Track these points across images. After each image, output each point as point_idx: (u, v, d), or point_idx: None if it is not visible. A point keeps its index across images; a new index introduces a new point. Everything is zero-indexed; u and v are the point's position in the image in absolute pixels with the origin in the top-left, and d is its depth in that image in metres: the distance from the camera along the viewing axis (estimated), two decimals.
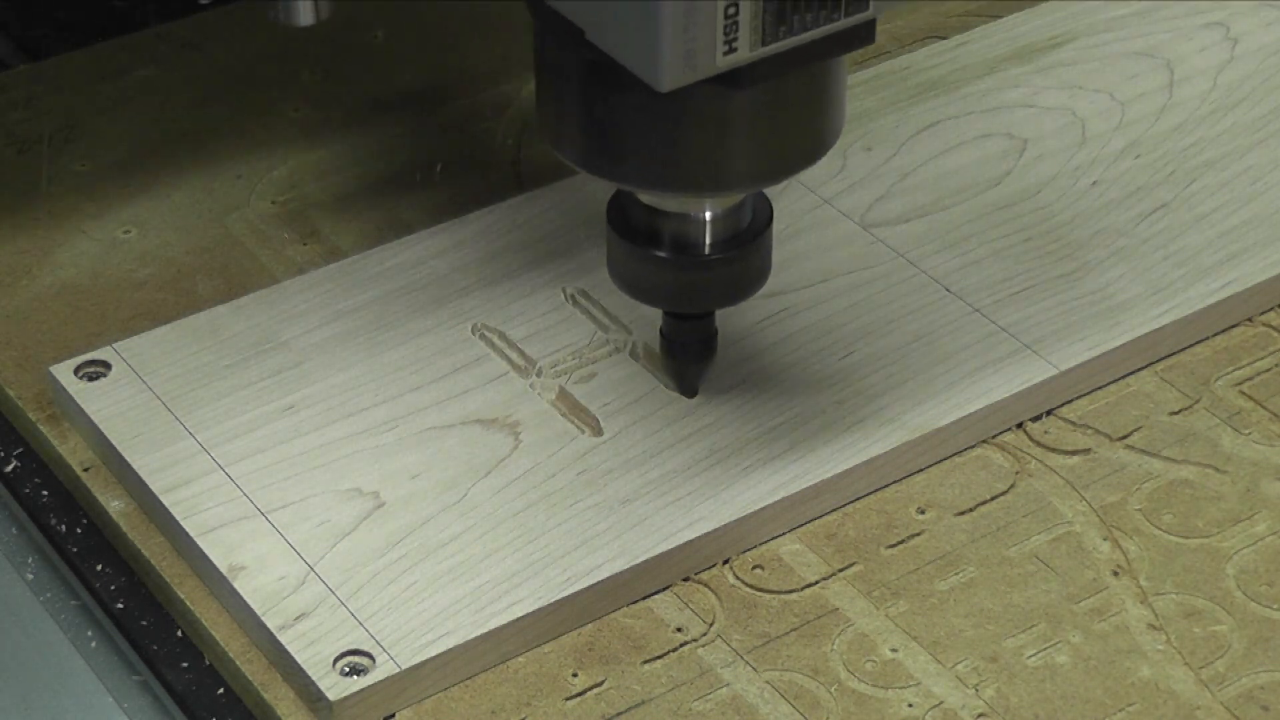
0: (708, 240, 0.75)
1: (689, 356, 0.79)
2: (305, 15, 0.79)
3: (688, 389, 0.80)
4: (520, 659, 0.73)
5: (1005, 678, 0.72)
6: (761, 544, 0.77)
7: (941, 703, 0.71)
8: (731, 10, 0.65)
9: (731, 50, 0.66)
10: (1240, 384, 0.83)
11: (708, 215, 0.74)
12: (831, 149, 0.73)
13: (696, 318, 0.78)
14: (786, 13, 0.66)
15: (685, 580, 0.76)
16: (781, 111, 0.70)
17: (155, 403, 0.79)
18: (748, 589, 0.75)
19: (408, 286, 0.85)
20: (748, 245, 0.75)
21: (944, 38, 0.99)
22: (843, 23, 0.67)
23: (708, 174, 0.71)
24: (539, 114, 0.73)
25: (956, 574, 0.76)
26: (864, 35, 0.68)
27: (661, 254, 0.75)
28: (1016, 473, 0.79)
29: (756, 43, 0.66)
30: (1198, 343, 0.85)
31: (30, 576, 0.78)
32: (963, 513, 0.78)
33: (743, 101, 0.69)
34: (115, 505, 0.78)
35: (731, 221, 0.75)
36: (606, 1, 0.66)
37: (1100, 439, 0.81)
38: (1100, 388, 0.83)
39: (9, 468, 0.80)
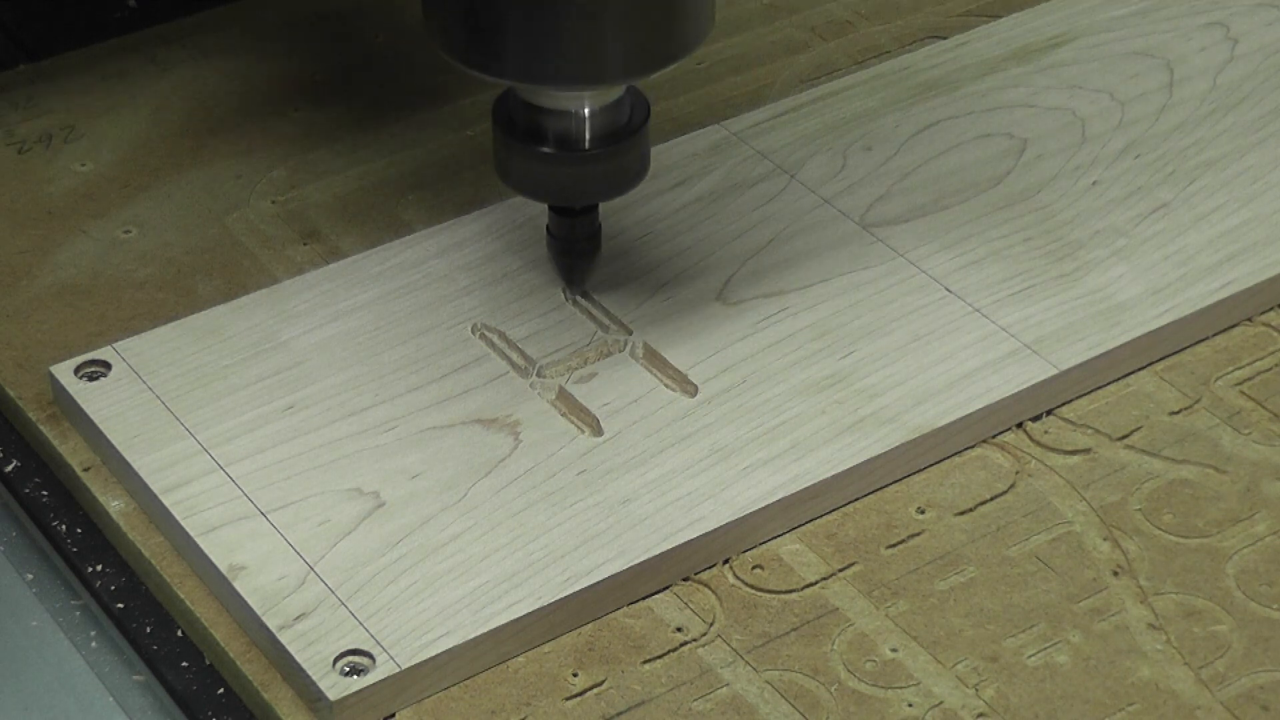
0: (588, 135, 0.78)
1: (576, 251, 0.82)
2: None
3: (575, 285, 0.83)
4: (520, 659, 0.73)
5: (1005, 678, 0.72)
6: (761, 544, 0.77)
7: (941, 703, 0.71)
8: None
9: None
10: (1240, 384, 0.83)
11: (586, 110, 0.77)
12: (700, 43, 0.76)
13: (581, 213, 0.81)
14: None
15: (685, 580, 0.76)
16: (647, 6, 0.74)
17: (155, 403, 0.80)
18: (748, 589, 0.75)
19: (408, 286, 0.85)
20: (626, 140, 0.78)
21: (944, 38, 0.99)
22: None
23: (578, 67, 0.74)
24: (426, 16, 0.76)
25: (956, 574, 0.76)
26: None
27: (545, 149, 0.78)
28: (1016, 473, 0.79)
29: None
30: (1198, 343, 0.85)
31: (30, 576, 0.78)
32: (963, 513, 0.78)
33: None
34: (115, 505, 0.78)
35: (609, 116, 0.78)
36: None
37: (1100, 439, 0.81)
38: (1100, 388, 0.83)
39: (9, 468, 0.80)
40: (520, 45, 0.74)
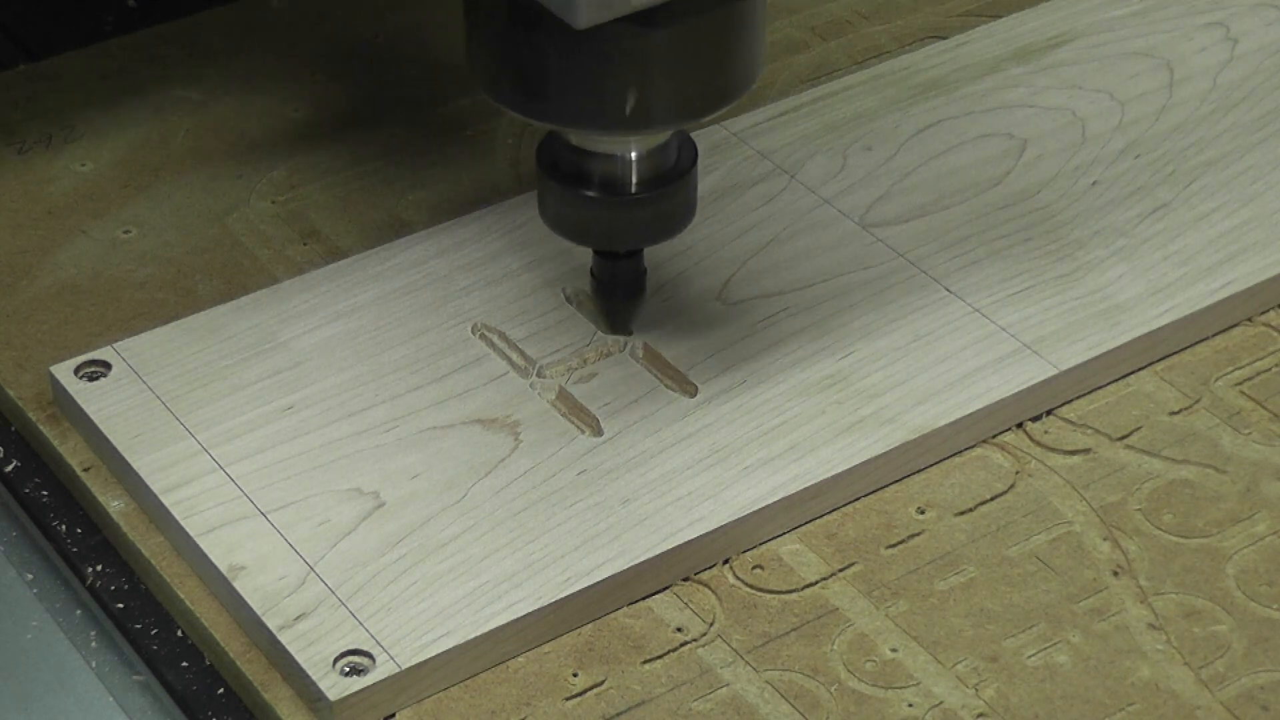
0: (634, 179, 0.77)
1: (619, 295, 0.81)
2: None
3: (618, 329, 0.82)
4: (520, 659, 0.73)
5: (1005, 678, 0.72)
6: (761, 544, 0.77)
7: (941, 703, 0.71)
8: None
9: None
10: (1240, 384, 0.83)
11: (633, 154, 0.76)
12: (750, 89, 0.75)
13: (625, 256, 0.80)
14: None
15: (685, 580, 0.76)
16: (698, 51, 0.72)
17: (155, 403, 0.80)
18: (748, 589, 0.75)
19: (408, 286, 0.85)
20: (673, 183, 0.77)
21: (944, 38, 0.99)
22: None
23: (628, 113, 0.73)
24: (470, 58, 0.75)
25: (956, 574, 0.76)
26: None
27: (590, 193, 0.77)
28: (1016, 473, 0.79)
29: None
30: (1198, 343, 0.85)
31: (30, 576, 0.78)
32: (963, 513, 0.78)
33: (659, 40, 0.71)
34: (115, 505, 0.78)
35: (656, 160, 0.77)
36: None
37: (1100, 439, 0.81)
38: (1100, 388, 0.83)
39: (9, 468, 0.80)
40: (568, 90, 0.72)
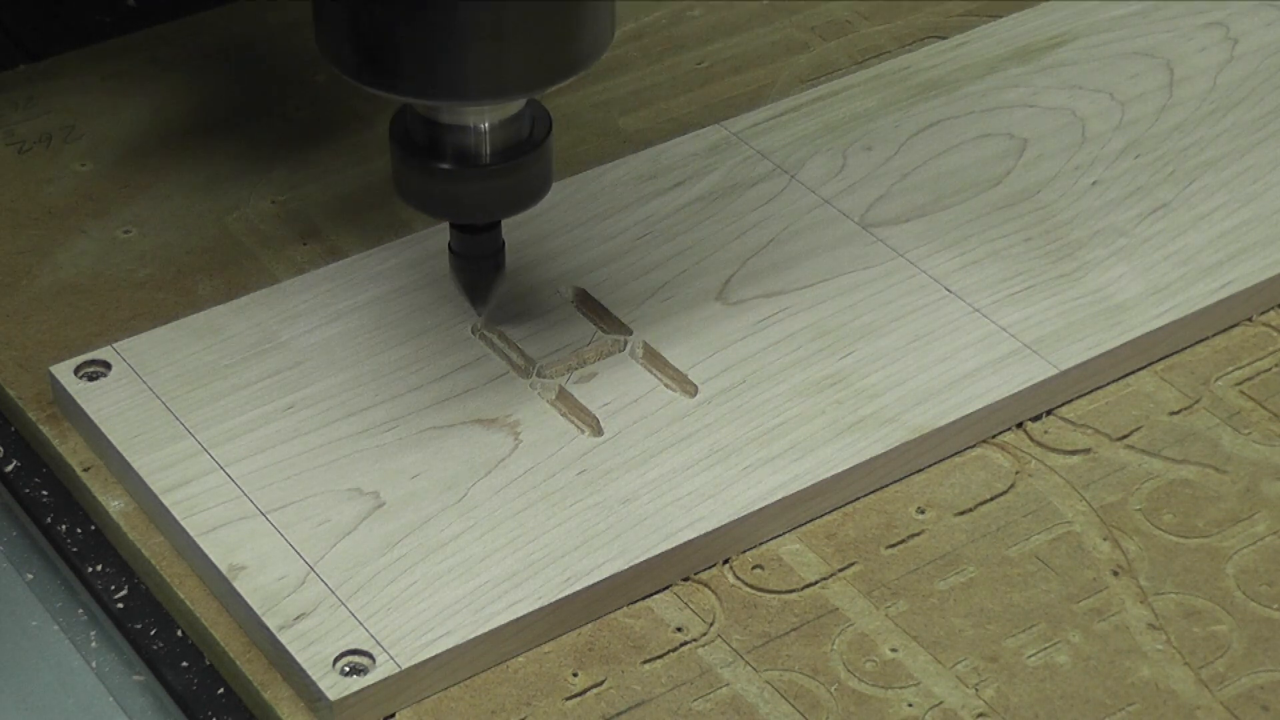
0: (487, 150, 0.76)
1: (478, 269, 0.80)
2: None
3: (479, 303, 0.81)
4: (520, 659, 0.73)
5: (1005, 678, 0.72)
6: (761, 544, 0.77)
7: (941, 703, 0.71)
8: None
9: None
10: (1240, 384, 0.83)
11: (485, 125, 0.76)
12: (598, 58, 0.75)
13: (483, 229, 0.79)
14: None
15: (685, 580, 0.76)
16: (541, 19, 0.72)
17: (155, 403, 0.80)
18: (748, 589, 0.75)
19: (408, 286, 0.85)
20: (528, 154, 0.77)
21: (944, 38, 0.99)
22: None
23: (470, 82, 0.72)
24: (318, 32, 0.74)
25: (956, 574, 0.76)
26: None
27: (444, 165, 0.76)
28: (1016, 473, 0.79)
29: None
30: (1198, 343, 0.85)
31: (30, 576, 0.78)
32: (963, 513, 0.78)
33: (498, 8, 0.71)
34: (115, 505, 0.78)
35: (509, 131, 0.76)
36: None
37: (1100, 439, 0.81)
38: (1100, 388, 0.83)
39: (9, 468, 0.80)
40: (417, 61, 0.72)
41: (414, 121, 0.77)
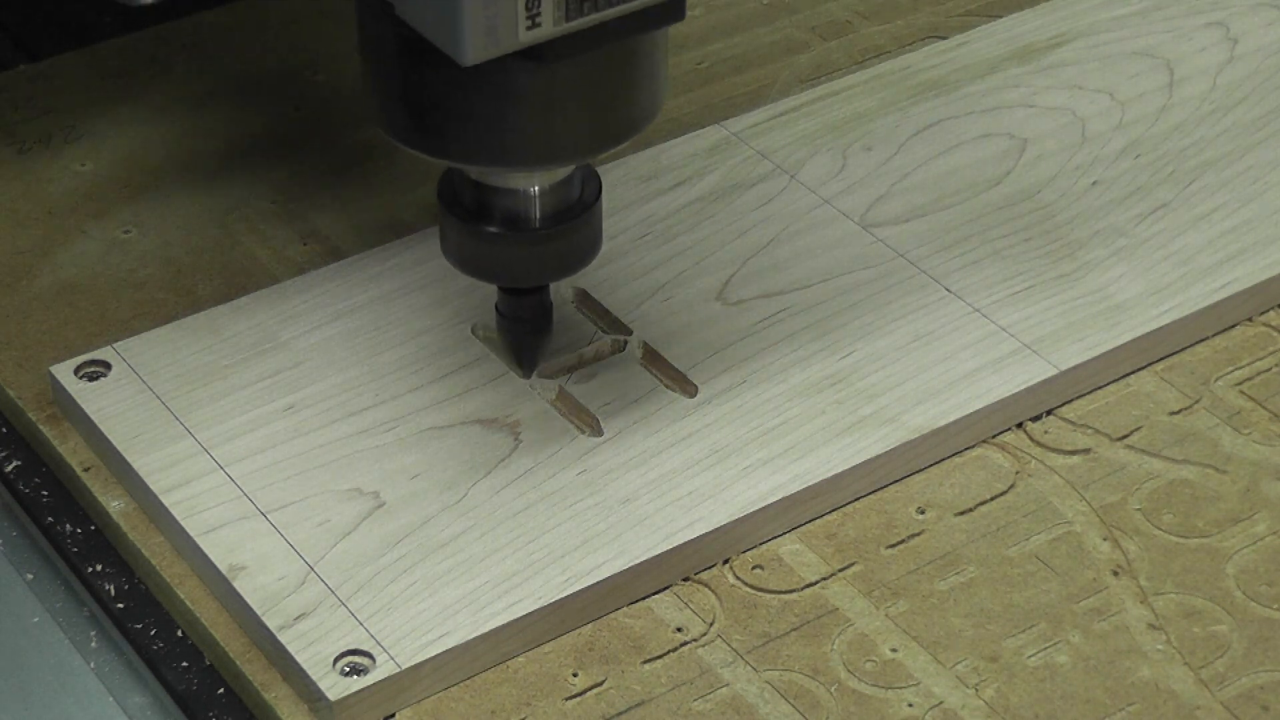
0: (537, 214, 0.75)
1: (525, 332, 0.79)
2: None
3: (526, 366, 0.80)
4: (520, 659, 0.73)
5: (1005, 678, 0.72)
6: (761, 544, 0.77)
7: (941, 703, 0.71)
8: None
9: (535, 25, 0.67)
10: (1240, 384, 0.83)
11: (535, 189, 0.75)
12: (651, 123, 0.74)
13: (530, 292, 0.78)
14: None
15: (685, 580, 0.76)
16: (594, 86, 0.71)
17: (155, 403, 0.80)
18: (748, 589, 0.75)
19: (408, 286, 0.85)
20: (577, 218, 0.76)
21: (944, 38, 0.99)
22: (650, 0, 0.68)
23: (521, 148, 0.72)
24: (365, 94, 0.74)
25: (956, 574, 0.76)
26: (673, 12, 0.69)
27: (493, 229, 0.75)
28: (1016, 473, 0.79)
29: (560, 18, 0.67)
30: (1198, 343, 0.85)
31: (30, 576, 0.78)
32: (963, 513, 0.78)
33: (549, 76, 0.70)
34: (115, 505, 0.78)
35: (559, 195, 0.76)
36: None
37: (1100, 439, 0.81)
38: (1100, 388, 0.83)
39: (9, 468, 0.80)
40: (462, 127, 0.71)
41: (462, 184, 0.76)
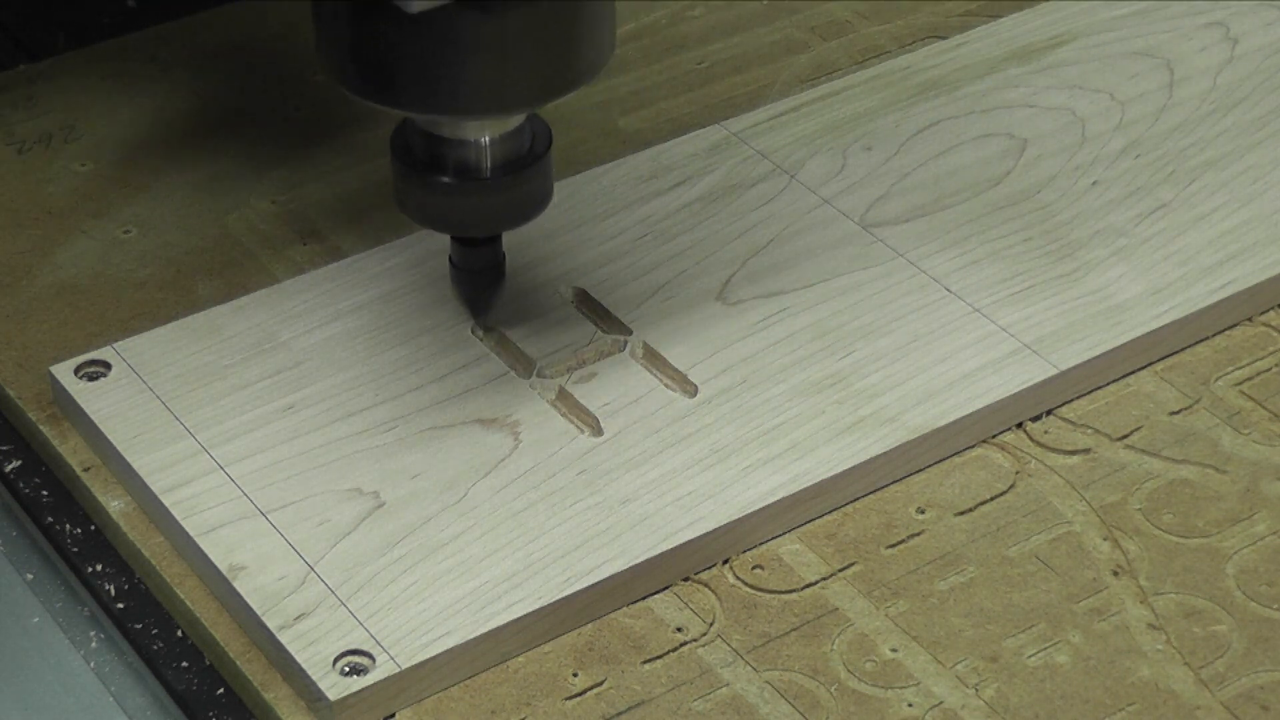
0: (487, 164, 0.76)
1: (479, 282, 0.80)
2: None
3: (479, 315, 0.81)
4: (520, 659, 0.73)
5: (1005, 678, 0.72)
6: (761, 544, 0.77)
7: (941, 703, 0.71)
8: None
9: None
10: (1240, 384, 0.83)
11: (485, 139, 0.76)
12: (597, 73, 0.74)
13: (484, 243, 0.79)
14: None
15: (685, 580, 0.76)
16: (539, 34, 0.72)
17: (155, 403, 0.80)
18: (748, 589, 0.75)
19: (408, 286, 0.85)
20: (529, 168, 0.76)
21: (944, 38, 0.99)
22: None
23: (470, 96, 0.72)
24: (317, 46, 0.74)
25: (956, 574, 0.76)
26: None
27: (446, 179, 0.76)
28: (1016, 473, 0.79)
29: None
30: (1198, 343, 0.85)
31: (30, 576, 0.78)
32: (963, 513, 0.78)
33: (496, 23, 0.70)
34: (115, 505, 0.78)
35: (509, 145, 0.76)
36: None
37: (1100, 439, 0.81)
38: (1100, 388, 0.83)
39: (9, 468, 0.80)
40: (413, 76, 0.72)
41: (415, 135, 0.77)
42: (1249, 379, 0.83)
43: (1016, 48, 0.98)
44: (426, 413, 0.80)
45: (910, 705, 0.71)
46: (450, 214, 0.77)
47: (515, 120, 0.76)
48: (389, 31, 0.71)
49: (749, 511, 0.76)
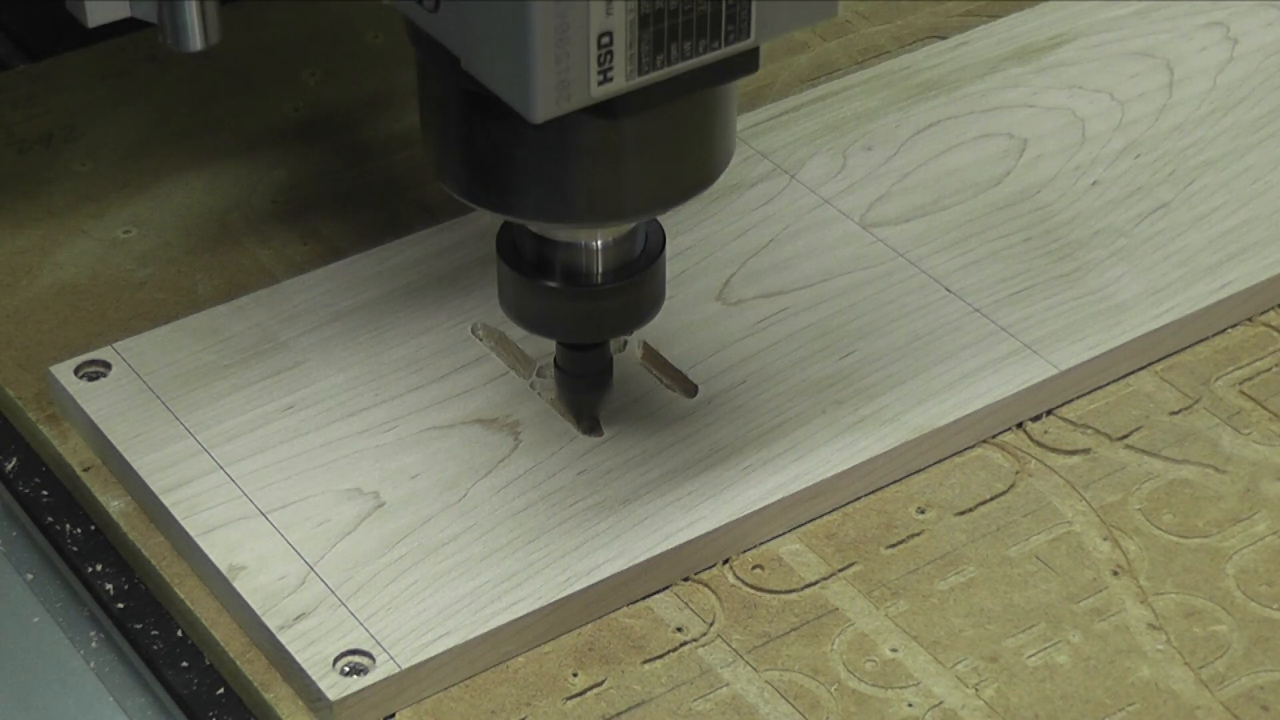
0: (599, 269, 0.74)
1: (586, 388, 0.78)
2: (195, 40, 0.78)
3: (585, 421, 0.79)
4: (520, 659, 0.73)
5: (1005, 678, 0.72)
6: (761, 544, 0.77)
7: (941, 703, 0.71)
8: (605, 39, 0.63)
9: (607, 80, 0.64)
10: (1240, 384, 0.83)
11: (599, 244, 0.73)
12: (722, 172, 0.72)
13: (591, 347, 0.77)
14: (664, 42, 0.64)
15: (685, 580, 0.76)
16: (664, 140, 0.69)
17: (155, 403, 0.80)
18: (748, 589, 0.75)
19: (408, 286, 0.85)
20: (640, 273, 0.74)
21: (944, 38, 0.99)
22: (723, 51, 0.66)
23: (591, 204, 0.70)
24: (425, 148, 0.72)
25: (956, 574, 0.76)
26: (746, 64, 0.67)
27: (553, 284, 0.74)
28: (1016, 473, 0.79)
29: (633, 72, 0.65)
30: (1198, 343, 0.85)
31: (30, 576, 0.78)
32: (963, 513, 0.78)
33: (621, 131, 0.68)
34: (115, 505, 0.78)
35: (623, 250, 0.74)
36: (481, 28, 0.64)
37: (1100, 439, 0.81)
38: (1100, 388, 0.83)
39: (9, 468, 0.80)
40: (530, 183, 0.69)
41: (522, 236, 0.74)
42: (1249, 379, 0.83)
43: (1016, 48, 0.98)
44: (426, 413, 0.80)
45: (910, 705, 0.71)
46: (558, 320, 0.75)
47: (624, 226, 0.73)
48: (508, 137, 0.68)
49: (749, 511, 0.76)
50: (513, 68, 0.64)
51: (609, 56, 0.64)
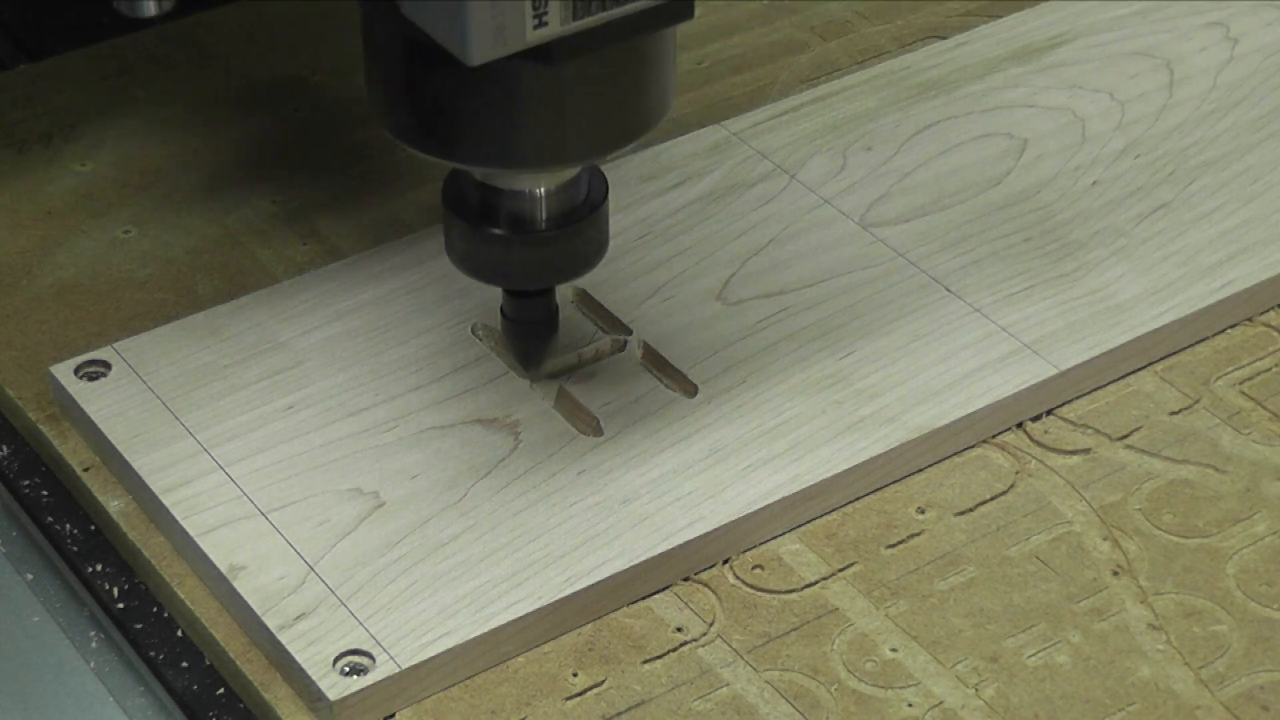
0: (544, 216, 0.75)
1: (531, 334, 0.79)
2: (149, 7, 0.80)
3: (532, 367, 0.80)
4: (520, 659, 0.73)
5: (1005, 678, 0.72)
6: (761, 544, 0.77)
7: (941, 703, 0.71)
8: None
9: (542, 24, 0.66)
10: (1240, 384, 0.83)
11: (542, 191, 0.74)
12: (659, 123, 0.73)
13: (536, 294, 0.78)
14: None
15: (685, 580, 0.76)
16: (602, 86, 0.70)
17: (155, 403, 0.80)
18: (748, 589, 0.75)
19: (408, 286, 0.85)
20: (584, 220, 0.75)
21: (944, 38, 0.99)
22: None
23: (533, 150, 0.71)
24: (370, 95, 0.73)
25: (956, 574, 0.76)
26: (681, 11, 0.68)
27: (499, 232, 0.75)
28: (1016, 473, 0.79)
29: (568, 17, 0.66)
30: (1198, 343, 0.85)
31: (30, 576, 0.78)
32: (963, 513, 0.78)
33: (556, 76, 0.69)
34: (115, 505, 0.78)
35: (567, 196, 0.75)
36: None
37: (1100, 439, 0.81)
38: (1100, 388, 0.83)
39: (9, 468, 0.80)
40: (469, 128, 0.70)
41: (467, 185, 0.75)
42: (1249, 379, 0.83)
43: (1016, 48, 0.98)
44: (426, 413, 0.80)
45: (910, 705, 0.71)
46: (503, 267, 0.76)
47: (571, 171, 0.74)
48: (447, 83, 0.69)
49: (749, 511, 0.76)
50: (449, 11, 0.65)
51: (544, 1, 0.65)
